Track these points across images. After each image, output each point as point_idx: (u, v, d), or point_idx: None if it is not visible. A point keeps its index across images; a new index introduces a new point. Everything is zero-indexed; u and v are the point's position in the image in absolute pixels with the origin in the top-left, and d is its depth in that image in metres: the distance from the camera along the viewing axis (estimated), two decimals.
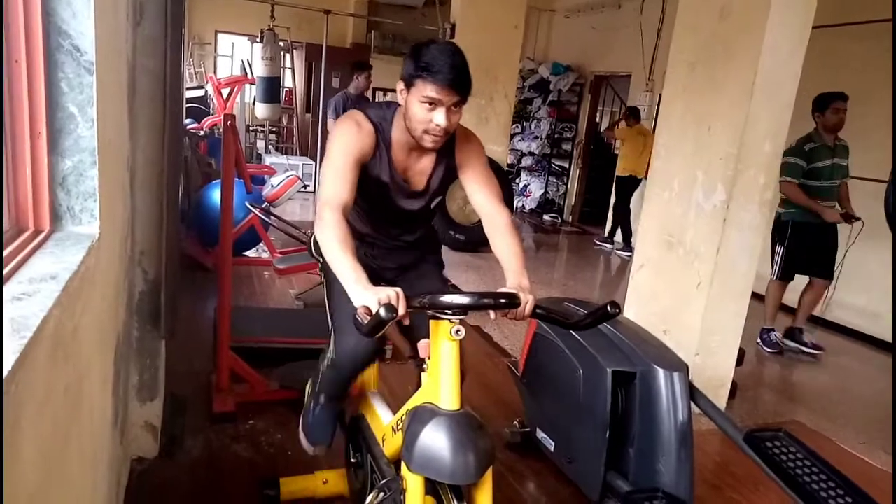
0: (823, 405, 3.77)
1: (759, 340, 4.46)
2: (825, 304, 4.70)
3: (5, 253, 1.09)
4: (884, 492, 2.38)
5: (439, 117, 1.58)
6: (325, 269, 1.81)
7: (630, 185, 7.23)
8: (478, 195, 1.76)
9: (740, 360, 3.34)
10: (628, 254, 7.16)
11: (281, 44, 8.39)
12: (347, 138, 1.65)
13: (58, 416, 1.04)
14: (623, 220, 7.38)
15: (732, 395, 3.42)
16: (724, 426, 2.20)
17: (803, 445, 2.00)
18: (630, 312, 3.39)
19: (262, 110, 8.62)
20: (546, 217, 8.92)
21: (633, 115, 7.20)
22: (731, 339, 3.22)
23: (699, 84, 3.13)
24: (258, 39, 8.21)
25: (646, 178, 6.96)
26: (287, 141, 11.27)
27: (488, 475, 1.45)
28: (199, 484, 2.26)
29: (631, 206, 7.32)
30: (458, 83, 1.56)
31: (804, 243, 4.21)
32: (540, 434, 2.58)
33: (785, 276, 4.34)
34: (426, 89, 1.56)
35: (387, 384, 2.33)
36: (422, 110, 1.59)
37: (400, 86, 1.64)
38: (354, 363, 1.80)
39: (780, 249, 4.28)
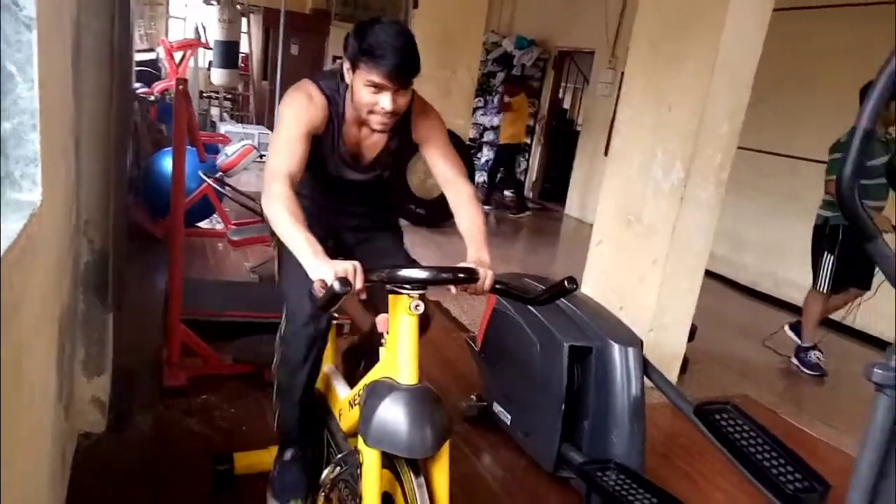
0: (770, 381, 3.90)
1: (794, 359, 4.07)
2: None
3: None
4: (823, 461, 2.48)
5: (385, 101, 1.54)
6: (280, 243, 1.74)
7: (515, 151, 8.09)
8: (440, 168, 1.74)
9: (692, 336, 3.42)
10: (488, 207, 7.76)
11: (238, 7, 8.11)
12: (298, 110, 1.61)
13: None
14: (508, 184, 8.31)
15: (684, 369, 3.51)
16: (675, 399, 2.26)
17: (749, 418, 2.07)
18: (587, 288, 3.43)
19: (218, 76, 8.36)
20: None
21: (517, 83, 7.97)
22: (684, 316, 3.30)
23: (661, 61, 3.14)
24: (214, 1, 7.92)
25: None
26: (243, 109, 10.97)
27: (445, 449, 1.45)
28: (149, 459, 2.21)
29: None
30: (404, 69, 1.51)
31: (856, 251, 3.59)
32: (497, 408, 2.60)
33: (836, 289, 3.86)
34: (370, 74, 1.51)
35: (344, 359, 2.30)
36: (367, 93, 1.54)
37: (346, 65, 1.58)
38: (308, 336, 1.70)
39: (828, 258, 3.76)
